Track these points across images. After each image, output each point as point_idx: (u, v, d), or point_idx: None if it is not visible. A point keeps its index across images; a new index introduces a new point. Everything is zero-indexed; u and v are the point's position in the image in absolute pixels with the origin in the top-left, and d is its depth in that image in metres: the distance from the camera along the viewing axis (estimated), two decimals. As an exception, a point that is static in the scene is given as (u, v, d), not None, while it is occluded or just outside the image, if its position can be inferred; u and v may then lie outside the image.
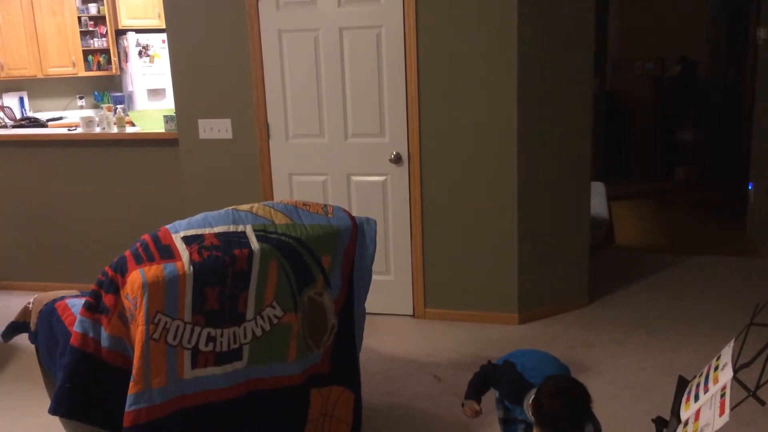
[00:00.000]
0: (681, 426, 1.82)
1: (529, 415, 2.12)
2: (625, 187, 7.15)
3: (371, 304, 2.88)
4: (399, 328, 3.96)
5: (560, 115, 3.82)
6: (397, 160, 3.89)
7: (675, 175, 7.28)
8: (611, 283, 4.48)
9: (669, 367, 3.34)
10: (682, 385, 2.01)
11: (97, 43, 7.29)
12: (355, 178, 4.01)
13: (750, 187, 5.39)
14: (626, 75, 7.70)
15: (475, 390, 2.37)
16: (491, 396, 2.43)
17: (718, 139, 7.26)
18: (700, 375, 1.91)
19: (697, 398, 1.81)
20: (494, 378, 2.34)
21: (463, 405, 2.37)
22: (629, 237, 5.63)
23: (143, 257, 2.19)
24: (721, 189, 6.79)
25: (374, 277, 2.81)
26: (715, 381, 1.74)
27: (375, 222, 2.73)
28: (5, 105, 5.96)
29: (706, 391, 1.77)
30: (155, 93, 7.03)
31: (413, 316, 4.10)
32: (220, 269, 2.23)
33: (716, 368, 1.80)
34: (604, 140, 7.16)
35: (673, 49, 7.56)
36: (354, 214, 2.70)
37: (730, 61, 7.35)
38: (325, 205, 2.66)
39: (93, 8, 7.19)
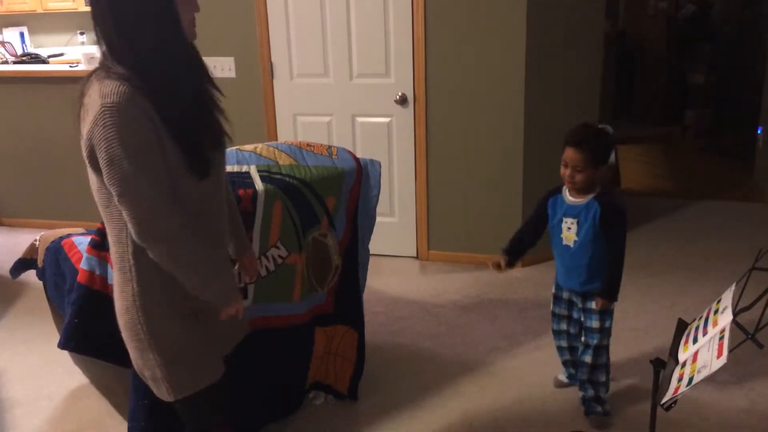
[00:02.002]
0: (678, 367, 1.85)
1: (567, 194, 2.44)
2: (634, 130, 7.06)
3: (375, 245, 2.90)
4: (402, 270, 3.99)
5: (570, 56, 3.74)
6: (403, 101, 3.84)
7: (685, 118, 7.18)
8: (615, 227, 4.48)
9: (670, 310, 3.38)
10: (682, 327, 2.04)
11: (97, -23, 7.11)
12: (359, 119, 3.97)
13: (759, 132, 5.33)
14: (639, 14, 7.50)
15: (512, 241, 2.60)
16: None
17: (729, 82, 7.12)
18: (700, 318, 1.93)
19: (695, 340, 1.83)
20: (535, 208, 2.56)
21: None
22: (636, 181, 5.60)
23: (148, 196, 2.19)
24: (730, 133, 6.71)
25: (378, 218, 2.81)
26: (715, 324, 1.76)
27: (379, 164, 2.72)
28: (6, 40, 5.87)
29: (705, 333, 1.79)
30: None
31: (417, 257, 4.13)
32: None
33: (716, 311, 1.81)
34: (614, 82, 7.03)
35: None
36: (358, 155, 2.68)
37: (746, 1, 7.13)
38: (330, 147, 2.64)
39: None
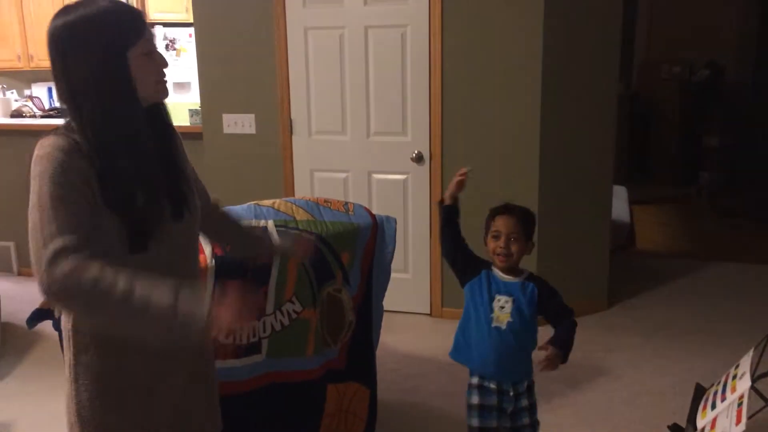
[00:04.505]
0: (697, 434, 1.81)
1: (490, 251, 2.21)
2: (649, 191, 7.08)
3: (389, 301, 2.90)
4: (416, 327, 3.97)
5: (584, 117, 3.80)
6: (419, 159, 3.90)
7: (700, 180, 7.20)
8: (631, 288, 4.45)
9: (687, 374, 3.31)
10: (700, 392, 2.01)
11: (125, 35, 7.34)
12: (376, 176, 4.03)
13: (776, 195, 5.32)
14: (653, 78, 7.62)
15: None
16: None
17: (744, 144, 7.16)
18: (718, 383, 1.90)
19: (714, 406, 1.80)
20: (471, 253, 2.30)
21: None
22: (651, 241, 5.58)
23: (166, 249, 2.22)
24: (746, 196, 6.70)
25: (392, 275, 2.82)
26: (733, 390, 1.73)
27: (395, 220, 2.74)
28: (34, 95, 6.05)
29: (723, 399, 1.76)
30: (181, 86, 7.08)
31: (430, 314, 4.10)
32: (241, 263, 2.25)
33: (734, 377, 1.79)
34: (628, 143, 7.09)
35: (701, 52, 7.47)
36: (374, 211, 2.71)
37: (759, 65, 7.24)
38: (346, 203, 2.68)
39: (123, 1, 7.26)
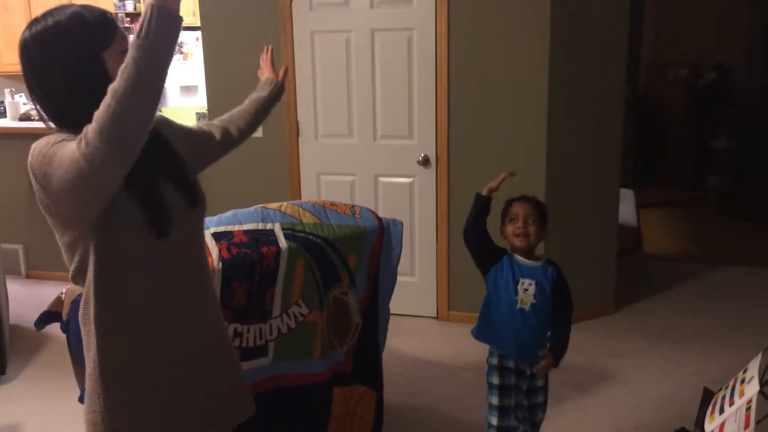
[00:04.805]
0: (705, 438, 1.81)
1: (508, 235, 2.35)
2: (656, 195, 7.06)
3: (395, 304, 2.90)
4: (422, 330, 3.97)
5: (591, 120, 3.79)
6: (425, 162, 3.90)
7: (707, 183, 7.17)
8: (638, 291, 4.43)
9: (694, 378, 3.30)
10: (708, 396, 2.00)
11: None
12: (382, 179, 4.03)
13: (784, 198, 5.30)
14: (659, 80, 7.60)
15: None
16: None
17: (752, 147, 7.13)
18: (726, 387, 1.89)
19: (722, 411, 1.80)
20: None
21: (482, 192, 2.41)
22: (658, 245, 5.56)
23: (173, 252, 2.23)
24: (753, 199, 6.67)
25: (399, 278, 2.82)
26: (741, 394, 1.73)
27: (401, 223, 2.75)
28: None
29: (731, 404, 1.76)
30: (187, 90, 7.10)
31: (437, 318, 4.10)
32: (248, 266, 2.26)
33: (743, 381, 1.78)
34: (635, 146, 7.07)
35: (708, 54, 7.44)
36: (381, 215, 2.72)
37: (766, 67, 7.21)
38: (353, 206, 2.68)
39: (129, 5, 7.30)
